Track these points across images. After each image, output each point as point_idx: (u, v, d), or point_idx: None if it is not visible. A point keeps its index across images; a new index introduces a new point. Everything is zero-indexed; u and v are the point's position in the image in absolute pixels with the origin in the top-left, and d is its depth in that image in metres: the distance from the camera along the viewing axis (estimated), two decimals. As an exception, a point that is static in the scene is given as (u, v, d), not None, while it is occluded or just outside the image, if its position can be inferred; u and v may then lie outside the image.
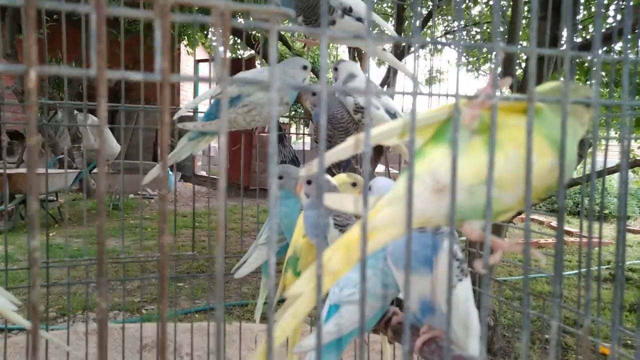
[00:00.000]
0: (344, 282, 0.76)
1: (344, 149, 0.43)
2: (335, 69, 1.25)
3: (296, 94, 1.18)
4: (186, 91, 10.35)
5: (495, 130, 0.42)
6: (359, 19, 1.19)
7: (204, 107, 1.29)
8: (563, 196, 0.45)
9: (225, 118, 0.37)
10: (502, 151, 0.44)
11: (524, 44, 4.10)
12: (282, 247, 1.20)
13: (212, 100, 1.19)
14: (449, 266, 0.40)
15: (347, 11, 1.18)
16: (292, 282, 0.99)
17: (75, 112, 7.03)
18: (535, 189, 0.46)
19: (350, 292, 0.74)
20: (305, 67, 1.16)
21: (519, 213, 2.63)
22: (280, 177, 1.11)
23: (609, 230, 6.52)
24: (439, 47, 6.71)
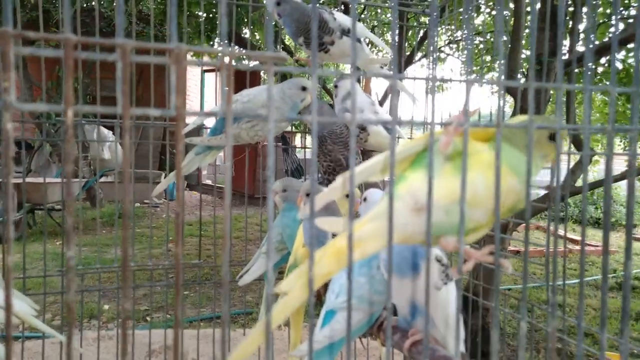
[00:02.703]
0: (339, 289, 0.82)
1: (334, 189, 0.50)
2: (336, 86, 1.32)
3: (297, 110, 1.25)
4: (192, 100, 10.47)
5: (467, 154, 0.48)
6: (358, 40, 1.25)
7: (209, 122, 1.36)
8: (529, 213, 0.51)
9: (230, 143, 0.43)
10: (471, 174, 0.50)
11: (527, 52, 4.15)
12: (283, 256, 1.27)
13: (217, 117, 1.26)
14: (427, 270, 0.46)
15: (346, 32, 1.24)
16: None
17: (83, 121, 7.13)
18: (500, 208, 0.52)
19: (345, 299, 0.80)
20: (304, 88, 1.23)
21: (518, 224, 2.65)
22: (284, 190, 1.19)
23: (615, 239, 6.51)
24: (442, 56, 6.77)
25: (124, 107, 0.40)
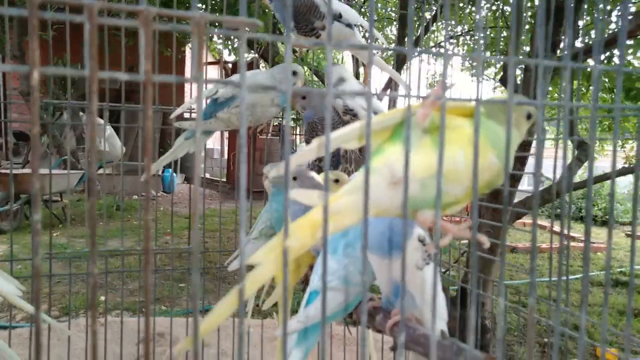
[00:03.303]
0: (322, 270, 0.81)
1: (309, 151, 0.49)
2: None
3: (287, 97, 1.24)
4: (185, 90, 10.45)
5: (444, 128, 0.47)
6: (349, 25, 1.24)
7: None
8: (507, 190, 0.51)
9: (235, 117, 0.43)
10: (449, 149, 0.49)
11: (526, 49, 4.14)
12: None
13: (207, 101, 1.25)
14: (404, 246, 0.46)
15: (337, 17, 1.24)
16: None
17: (81, 113, 7.12)
18: (478, 183, 0.51)
19: (328, 280, 0.79)
20: (294, 73, 1.22)
21: (518, 217, 2.64)
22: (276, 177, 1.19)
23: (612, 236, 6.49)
24: (442, 51, 6.74)
25: (91, 70, 0.39)
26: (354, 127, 0.51)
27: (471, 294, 0.46)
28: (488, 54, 5.63)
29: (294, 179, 1.02)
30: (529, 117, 0.56)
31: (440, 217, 0.48)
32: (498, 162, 0.51)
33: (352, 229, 0.81)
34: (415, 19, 5.28)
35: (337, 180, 1.11)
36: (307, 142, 1.24)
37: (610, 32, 4.03)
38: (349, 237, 0.81)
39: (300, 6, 1.20)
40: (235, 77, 1.26)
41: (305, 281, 1.05)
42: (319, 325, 0.80)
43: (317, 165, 1.29)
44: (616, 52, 4.03)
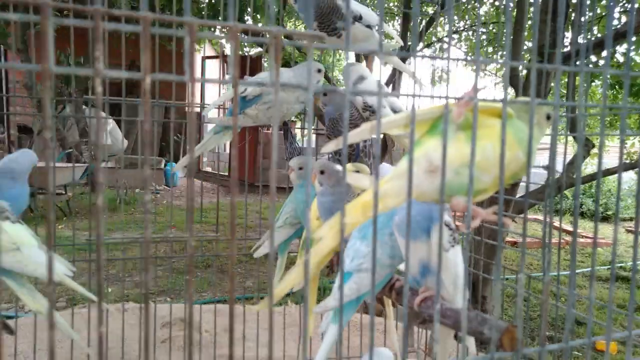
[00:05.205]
0: (354, 253, 0.90)
1: (362, 131, 0.57)
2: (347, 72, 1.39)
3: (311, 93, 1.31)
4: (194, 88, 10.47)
5: (477, 124, 0.55)
6: (368, 26, 1.32)
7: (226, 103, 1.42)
8: (529, 181, 0.58)
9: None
10: (480, 142, 0.57)
11: (528, 44, 4.20)
12: (297, 230, 1.36)
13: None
14: (440, 227, 0.53)
15: (357, 19, 1.31)
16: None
17: (84, 107, 7.15)
18: (504, 173, 0.59)
19: (359, 262, 0.88)
20: (319, 71, 1.30)
21: (520, 211, 2.72)
22: (300, 168, 1.27)
23: (610, 231, 6.57)
24: (444, 46, 6.81)
25: (96, 71, 0.45)
26: (402, 116, 0.59)
27: (497, 266, 0.54)
28: (490, 49, 5.69)
29: (322, 172, 1.09)
30: (548, 117, 0.64)
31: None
32: (523, 156, 0.59)
33: (381, 217, 0.89)
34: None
35: (357, 172, 1.19)
36: (329, 137, 1.32)
37: (615, 28, 4.07)
38: (377, 225, 0.89)
39: (323, 7, 1.27)
40: (263, 76, 1.33)
41: (331, 266, 1.14)
42: (352, 303, 0.89)
43: (337, 159, 1.37)
44: (619, 49, 4.08)
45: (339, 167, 1.12)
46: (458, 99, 0.56)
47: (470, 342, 0.91)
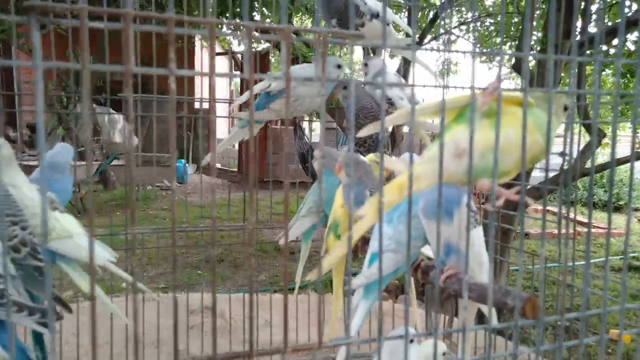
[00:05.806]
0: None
1: (398, 117, 0.64)
2: (365, 65, 1.45)
3: (332, 88, 1.38)
4: (203, 85, 10.56)
5: (500, 111, 0.61)
6: (387, 24, 1.38)
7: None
8: (548, 164, 0.64)
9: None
10: (503, 129, 0.63)
11: (537, 34, 4.21)
12: (321, 217, 1.43)
13: (261, 92, 1.39)
14: (468, 206, 0.59)
15: (375, 16, 1.37)
16: (333, 244, 1.20)
17: (95, 105, 7.23)
18: (525, 157, 0.65)
19: (386, 244, 0.94)
20: (339, 66, 1.36)
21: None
22: (323, 158, 1.33)
23: (622, 221, 6.56)
24: (453, 38, 6.81)
25: (126, 72, 0.51)
26: (431, 104, 0.66)
27: (521, 239, 0.60)
28: (499, 40, 5.69)
29: (323, 158, 1.15)
30: (565, 109, 0.70)
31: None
32: (542, 141, 0.65)
33: (402, 203, 0.95)
34: (425, 5, 5.34)
35: (377, 162, 1.25)
36: (348, 129, 1.38)
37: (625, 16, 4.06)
38: (401, 208, 0.95)
39: (342, 5, 1.33)
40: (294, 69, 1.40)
41: (355, 251, 1.20)
42: (376, 283, 0.95)
43: (358, 150, 1.43)
44: (629, 37, 4.08)
45: (364, 159, 1.19)
46: (483, 89, 0.62)
47: (493, 314, 0.97)
